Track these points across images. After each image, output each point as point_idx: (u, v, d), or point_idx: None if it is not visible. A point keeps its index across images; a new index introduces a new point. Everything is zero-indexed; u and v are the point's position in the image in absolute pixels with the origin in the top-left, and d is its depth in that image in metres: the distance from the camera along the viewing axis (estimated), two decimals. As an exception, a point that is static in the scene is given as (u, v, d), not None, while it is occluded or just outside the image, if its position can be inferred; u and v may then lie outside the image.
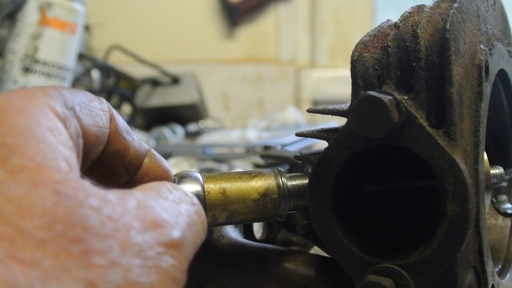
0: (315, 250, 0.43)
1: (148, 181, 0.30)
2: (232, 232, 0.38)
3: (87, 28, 1.50)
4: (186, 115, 1.42)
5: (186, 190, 0.24)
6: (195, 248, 0.22)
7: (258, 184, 0.33)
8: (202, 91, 1.52)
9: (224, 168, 0.98)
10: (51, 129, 0.20)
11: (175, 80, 1.45)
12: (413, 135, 0.28)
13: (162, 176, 0.31)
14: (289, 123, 1.45)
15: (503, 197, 0.44)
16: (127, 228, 0.18)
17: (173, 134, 1.24)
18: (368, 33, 0.32)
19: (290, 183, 0.34)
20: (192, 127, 1.37)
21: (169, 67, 1.50)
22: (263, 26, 1.87)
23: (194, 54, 1.83)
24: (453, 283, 0.29)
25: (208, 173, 0.34)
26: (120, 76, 1.39)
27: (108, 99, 1.34)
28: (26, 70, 0.92)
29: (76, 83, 1.15)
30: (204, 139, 1.20)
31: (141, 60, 1.45)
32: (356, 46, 0.31)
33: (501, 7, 0.39)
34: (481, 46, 0.33)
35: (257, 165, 0.86)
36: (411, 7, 0.32)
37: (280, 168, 0.35)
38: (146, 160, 0.30)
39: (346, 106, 0.33)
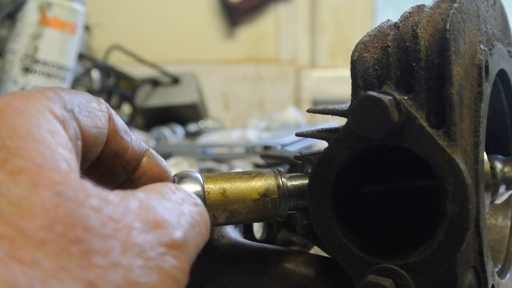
0: (315, 250, 0.43)
1: (146, 181, 0.30)
2: (232, 232, 0.38)
3: (87, 28, 1.50)
4: (186, 115, 1.42)
5: (190, 191, 0.24)
6: (198, 248, 0.22)
7: (258, 184, 0.33)
8: (202, 91, 1.52)
9: (224, 168, 0.98)
10: (51, 131, 0.20)
11: (175, 80, 1.45)
12: (413, 135, 0.28)
13: (160, 175, 0.31)
14: (289, 123, 1.45)
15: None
16: (128, 228, 0.18)
17: (173, 134, 1.24)
18: (368, 33, 0.32)
19: (290, 183, 0.34)
20: (192, 127, 1.37)
21: (169, 67, 1.50)
22: (263, 26, 1.87)
23: (194, 54, 1.83)
24: (453, 283, 0.29)
25: (208, 173, 0.34)
26: (120, 76, 1.39)
27: (108, 99, 1.34)
28: (26, 70, 0.92)
29: (76, 83, 1.16)
30: (204, 139, 1.20)
31: (141, 60, 1.45)
32: (356, 46, 0.31)
33: (501, 7, 0.39)
34: (481, 46, 0.33)
35: (257, 165, 0.86)
36: (411, 7, 0.32)
37: (280, 168, 0.35)
38: (144, 159, 0.30)
39: (346, 106, 0.33)
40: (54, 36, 0.93)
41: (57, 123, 0.21)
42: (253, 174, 0.34)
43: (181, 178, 0.32)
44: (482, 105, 0.31)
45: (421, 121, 0.28)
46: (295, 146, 0.97)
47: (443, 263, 0.28)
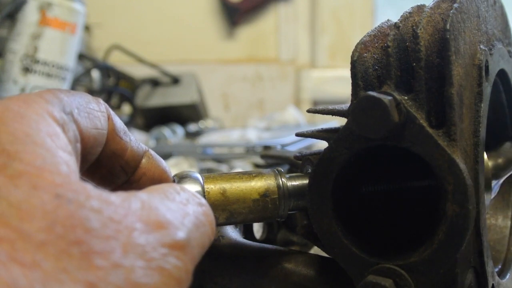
0: (315, 250, 0.43)
1: (146, 182, 0.30)
2: (232, 232, 0.38)
3: (87, 28, 1.50)
4: (186, 115, 1.42)
5: (194, 191, 0.24)
6: (203, 249, 0.22)
7: (258, 184, 0.33)
8: (202, 91, 1.52)
9: (224, 168, 0.97)
10: (50, 135, 0.20)
11: (175, 80, 1.45)
12: (413, 135, 0.28)
13: (160, 176, 0.31)
14: (289, 123, 1.45)
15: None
16: (130, 229, 0.18)
17: (173, 134, 1.24)
18: (368, 33, 0.32)
19: (290, 183, 0.34)
20: (192, 127, 1.37)
21: (169, 67, 1.50)
22: (263, 26, 1.87)
23: (194, 54, 1.83)
24: (453, 283, 0.29)
25: (208, 173, 0.34)
26: (120, 76, 1.39)
27: (108, 99, 1.34)
28: (26, 70, 0.92)
29: (76, 83, 1.15)
30: (204, 139, 1.20)
31: (141, 60, 1.45)
32: (356, 46, 0.31)
33: (501, 7, 0.39)
34: (481, 46, 0.33)
35: (257, 165, 0.86)
36: (411, 7, 0.32)
37: (280, 168, 0.35)
38: (144, 160, 0.30)
39: (346, 106, 0.33)
40: (54, 36, 0.93)
41: (57, 126, 0.21)
42: (253, 174, 0.34)
43: (181, 178, 0.32)
44: (482, 105, 0.31)
45: (421, 121, 0.28)
46: (295, 146, 0.97)
47: (443, 263, 0.28)
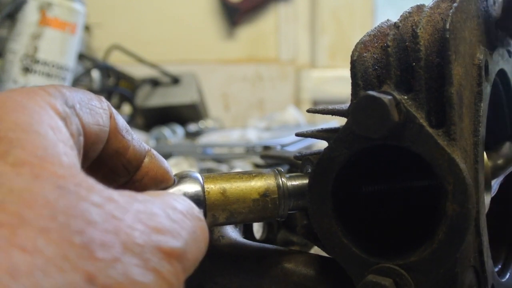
0: (315, 250, 0.43)
1: (148, 181, 0.30)
2: (232, 232, 0.38)
3: (87, 28, 1.50)
4: (186, 115, 1.42)
5: (194, 205, 0.24)
6: (195, 263, 0.22)
7: (258, 184, 0.33)
8: (202, 91, 1.52)
9: (224, 168, 0.97)
10: (52, 127, 0.20)
11: (175, 80, 1.45)
12: (413, 135, 0.28)
13: (162, 176, 0.31)
14: (289, 123, 1.45)
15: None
16: (130, 229, 0.18)
17: (173, 134, 1.24)
18: (368, 33, 0.32)
19: (290, 183, 0.34)
20: (192, 127, 1.37)
21: (169, 67, 1.50)
22: (263, 26, 1.87)
23: (194, 54, 1.83)
24: (453, 283, 0.29)
25: (208, 173, 0.34)
26: (120, 76, 1.39)
27: (108, 99, 1.34)
28: (26, 70, 0.92)
29: (76, 83, 1.16)
30: (204, 139, 1.20)
31: (141, 60, 1.45)
32: (356, 46, 0.31)
33: (501, 7, 0.39)
34: (481, 46, 0.33)
35: (257, 165, 0.86)
36: (411, 7, 0.32)
37: (280, 168, 0.35)
38: (146, 160, 0.30)
39: (346, 106, 0.33)
40: (54, 36, 0.93)
41: (59, 119, 0.21)
42: (253, 174, 0.34)
43: (181, 178, 0.32)
44: (482, 104, 0.31)
45: (421, 120, 0.28)
46: (295, 146, 0.97)
47: (443, 263, 0.28)
